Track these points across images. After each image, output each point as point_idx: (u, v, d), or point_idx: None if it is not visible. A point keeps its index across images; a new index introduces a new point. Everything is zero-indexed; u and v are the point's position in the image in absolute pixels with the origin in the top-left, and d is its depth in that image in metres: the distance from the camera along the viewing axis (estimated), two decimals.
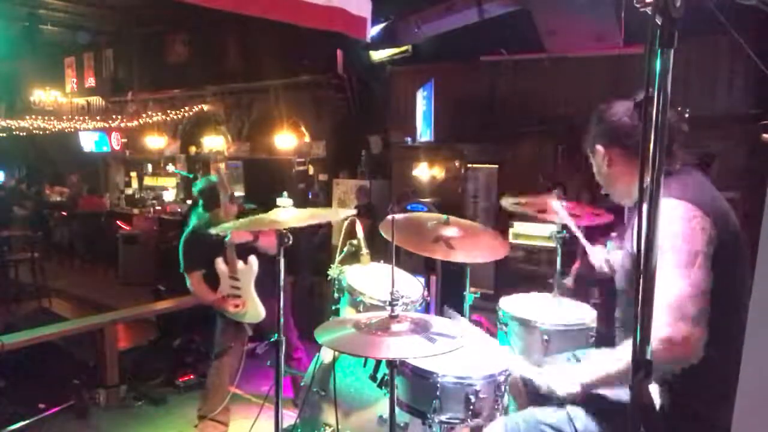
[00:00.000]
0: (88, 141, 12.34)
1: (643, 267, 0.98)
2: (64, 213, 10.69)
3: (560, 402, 1.73)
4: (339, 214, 2.51)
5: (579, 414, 1.60)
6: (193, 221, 3.48)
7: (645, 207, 0.98)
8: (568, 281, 2.55)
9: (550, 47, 5.13)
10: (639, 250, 0.98)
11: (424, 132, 6.23)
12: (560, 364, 1.82)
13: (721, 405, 1.44)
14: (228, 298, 3.27)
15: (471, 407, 1.85)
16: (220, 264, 3.24)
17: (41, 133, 12.79)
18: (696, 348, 1.39)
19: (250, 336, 3.53)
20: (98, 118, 12.12)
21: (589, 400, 1.63)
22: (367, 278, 2.56)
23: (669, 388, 1.47)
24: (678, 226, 1.45)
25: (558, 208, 2.36)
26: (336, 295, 2.56)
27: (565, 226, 2.47)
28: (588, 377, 1.59)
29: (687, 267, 1.41)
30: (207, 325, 4.64)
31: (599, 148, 1.73)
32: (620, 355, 1.50)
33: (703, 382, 1.46)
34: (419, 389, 1.92)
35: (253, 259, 3.25)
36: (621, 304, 1.77)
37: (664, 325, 1.37)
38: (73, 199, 10.88)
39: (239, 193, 9.00)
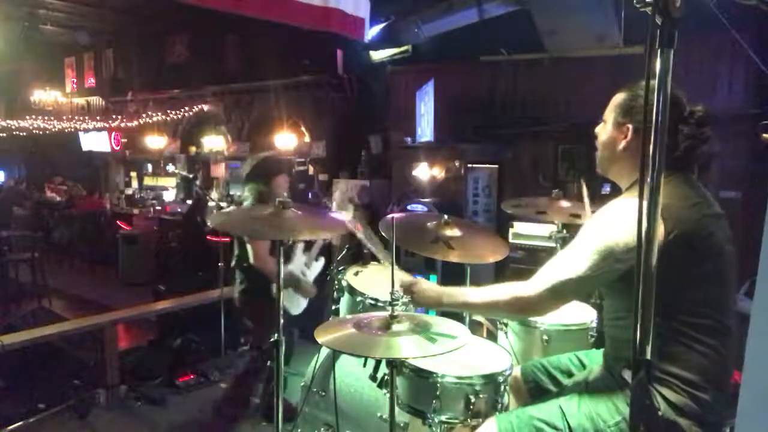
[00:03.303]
0: (88, 141, 12.34)
1: (642, 265, 0.98)
2: (63, 213, 10.69)
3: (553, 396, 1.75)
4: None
5: (571, 408, 1.60)
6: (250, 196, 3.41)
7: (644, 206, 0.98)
8: None
9: (550, 47, 5.13)
10: (639, 248, 0.98)
11: (424, 132, 6.22)
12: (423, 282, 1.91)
13: (709, 401, 1.46)
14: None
15: (471, 407, 1.85)
16: (299, 250, 3.30)
17: (41, 133, 12.78)
18: (542, 315, 1.65)
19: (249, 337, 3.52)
20: (98, 118, 12.12)
21: (584, 393, 1.64)
22: (367, 278, 2.56)
23: (665, 388, 1.48)
24: (617, 217, 1.52)
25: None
26: (336, 295, 2.56)
27: (565, 226, 2.47)
28: (449, 299, 1.76)
29: (594, 254, 1.50)
30: (207, 325, 4.65)
31: (629, 126, 1.64)
32: (486, 293, 1.68)
33: (689, 380, 1.47)
34: (419, 389, 1.92)
35: (321, 261, 3.36)
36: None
37: (538, 288, 1.56)
38: (72, 199, 10.88)
39: (239, 192, 9.01)
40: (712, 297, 1.51)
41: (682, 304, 1.47)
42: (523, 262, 5.23)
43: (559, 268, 1.56)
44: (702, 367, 1.46)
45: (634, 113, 1.63)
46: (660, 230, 1.42)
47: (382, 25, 5.89)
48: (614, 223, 1.51)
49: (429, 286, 1.86)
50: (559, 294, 1.55)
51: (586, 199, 2.43)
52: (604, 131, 1.73)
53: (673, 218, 1.46)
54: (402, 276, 1.88)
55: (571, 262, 1.54)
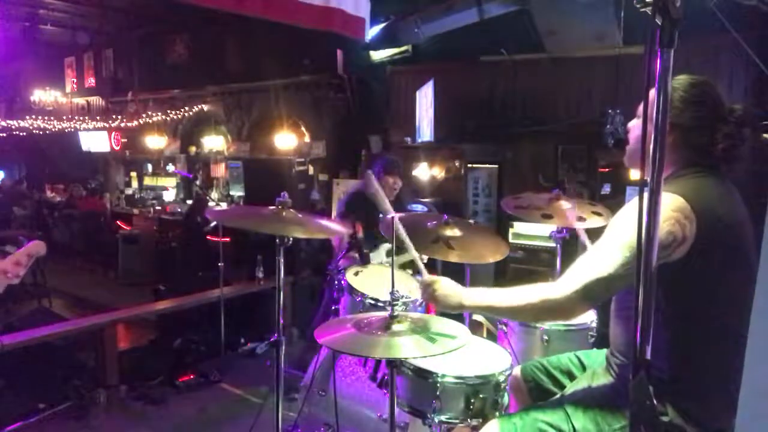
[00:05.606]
0: (88, 141, 12.34)
1: (643, 264, 0.97)
2: (63, 213, 10.69)
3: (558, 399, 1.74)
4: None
5: (576, 411, 1.60)
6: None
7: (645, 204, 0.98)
8: None
9: (550, 47, 5.13)
10: (639, 247, 0.98)
11: (424, 132, 6.22)
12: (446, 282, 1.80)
13: (718, 409, 1.44)
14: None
15: (471, 407, 1.85)
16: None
17: (41, 133, 12.78)
18: (572, 318, 1.55)
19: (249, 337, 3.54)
20: (98, 118, 12.12)
21: (588, 396, 1.63)
22: (367, 278, 2.56)
23: (667, 391, 1.47)
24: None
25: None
26: (336, 295, 2.56)
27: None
28: (472, 302, 1.68)
29: (626, 250, 1.41)
30: (207, 325, 4.65)
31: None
32: (513, 295, 1.59)
33: (700, 386, 1.46)
34: (419, 389, 1.92)
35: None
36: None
37: (569, 289, 1.46)
38: (72, 199, 10.88)
39: (239, 193, 9.01)
40: (735, 302, 1.46)
41: (710, 307, 1.45)
42: (523, 262, 5.23)
43: (589, 267, 1.47)
44: (714, 374, 1.45)
45: (672, 109, 1.52)
46: (691, 229, 1.40)
47: (382, 25, 5.89)
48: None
49: (449, 285, 1.76)
50: (591, 294, 1.46)
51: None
52: (638, 126, 1.67)
53: (708, 218, 1.41)
54: (422, 270, 1.83)
55: (602, 260, 1.45)
